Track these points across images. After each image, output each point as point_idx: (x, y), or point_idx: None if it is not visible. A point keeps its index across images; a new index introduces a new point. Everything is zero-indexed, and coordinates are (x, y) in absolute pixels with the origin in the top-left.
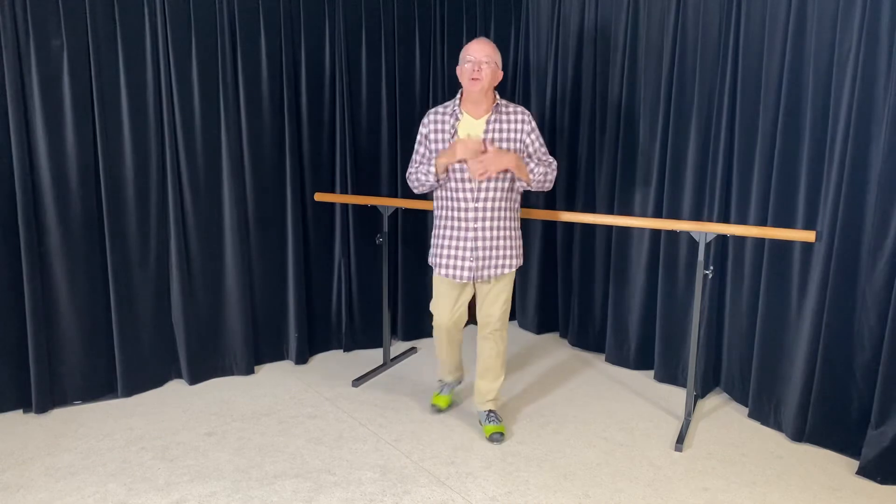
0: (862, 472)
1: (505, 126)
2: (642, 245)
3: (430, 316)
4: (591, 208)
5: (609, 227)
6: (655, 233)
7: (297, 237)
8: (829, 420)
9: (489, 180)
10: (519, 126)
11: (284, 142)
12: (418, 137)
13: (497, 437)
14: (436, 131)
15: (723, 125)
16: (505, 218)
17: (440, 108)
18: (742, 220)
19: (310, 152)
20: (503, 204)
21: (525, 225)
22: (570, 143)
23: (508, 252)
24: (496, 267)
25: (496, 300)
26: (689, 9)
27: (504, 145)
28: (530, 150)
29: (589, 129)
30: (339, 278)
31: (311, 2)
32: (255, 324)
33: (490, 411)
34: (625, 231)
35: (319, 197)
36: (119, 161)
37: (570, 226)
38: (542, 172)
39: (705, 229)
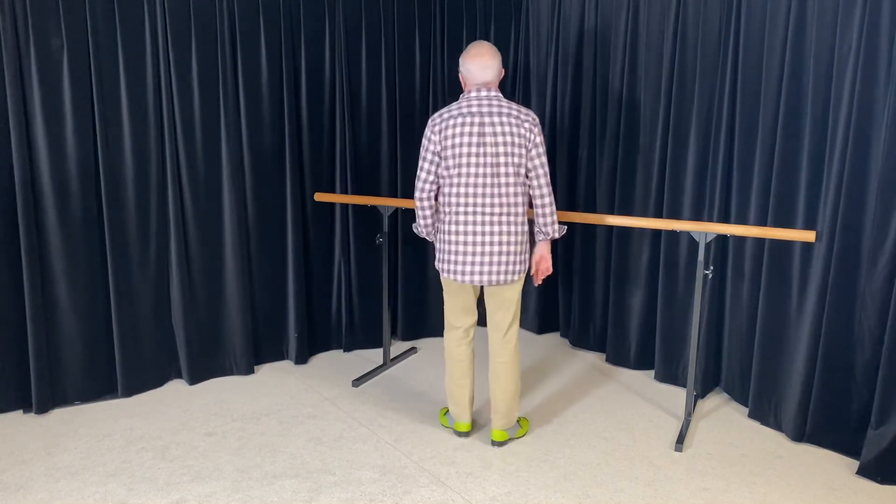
0: (862, 472)
1: None
2: (643, 245)
3: (431, 316)
4: (591, 208)
5: (609, 227)
6: (656, 233)
7: (297, 237)
8: (829, 420)
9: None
10: None
11: (284, 142)
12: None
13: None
14: None
15: (723, 125)
16: None
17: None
18: (742, 220)
19: (310, 152)
20: None
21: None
22: (571, 142)
23: None
24: None
25: None
26: (689, 9)
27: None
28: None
29: (589, 128)
30: (339, 278)
31: (311, 2)
32: (255, 324)
33: None
34: (625, 231)
35: (319, 197)
36: (119, 161)
37: (570, 226)
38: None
39: (705, 229)
